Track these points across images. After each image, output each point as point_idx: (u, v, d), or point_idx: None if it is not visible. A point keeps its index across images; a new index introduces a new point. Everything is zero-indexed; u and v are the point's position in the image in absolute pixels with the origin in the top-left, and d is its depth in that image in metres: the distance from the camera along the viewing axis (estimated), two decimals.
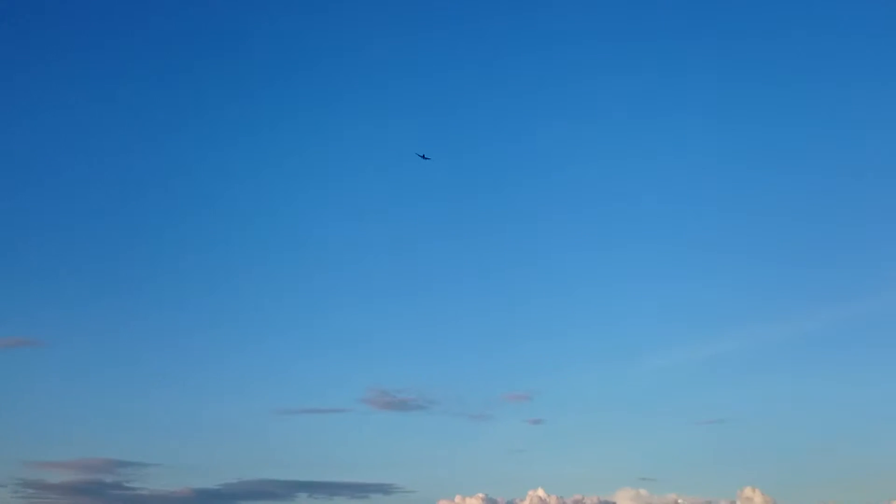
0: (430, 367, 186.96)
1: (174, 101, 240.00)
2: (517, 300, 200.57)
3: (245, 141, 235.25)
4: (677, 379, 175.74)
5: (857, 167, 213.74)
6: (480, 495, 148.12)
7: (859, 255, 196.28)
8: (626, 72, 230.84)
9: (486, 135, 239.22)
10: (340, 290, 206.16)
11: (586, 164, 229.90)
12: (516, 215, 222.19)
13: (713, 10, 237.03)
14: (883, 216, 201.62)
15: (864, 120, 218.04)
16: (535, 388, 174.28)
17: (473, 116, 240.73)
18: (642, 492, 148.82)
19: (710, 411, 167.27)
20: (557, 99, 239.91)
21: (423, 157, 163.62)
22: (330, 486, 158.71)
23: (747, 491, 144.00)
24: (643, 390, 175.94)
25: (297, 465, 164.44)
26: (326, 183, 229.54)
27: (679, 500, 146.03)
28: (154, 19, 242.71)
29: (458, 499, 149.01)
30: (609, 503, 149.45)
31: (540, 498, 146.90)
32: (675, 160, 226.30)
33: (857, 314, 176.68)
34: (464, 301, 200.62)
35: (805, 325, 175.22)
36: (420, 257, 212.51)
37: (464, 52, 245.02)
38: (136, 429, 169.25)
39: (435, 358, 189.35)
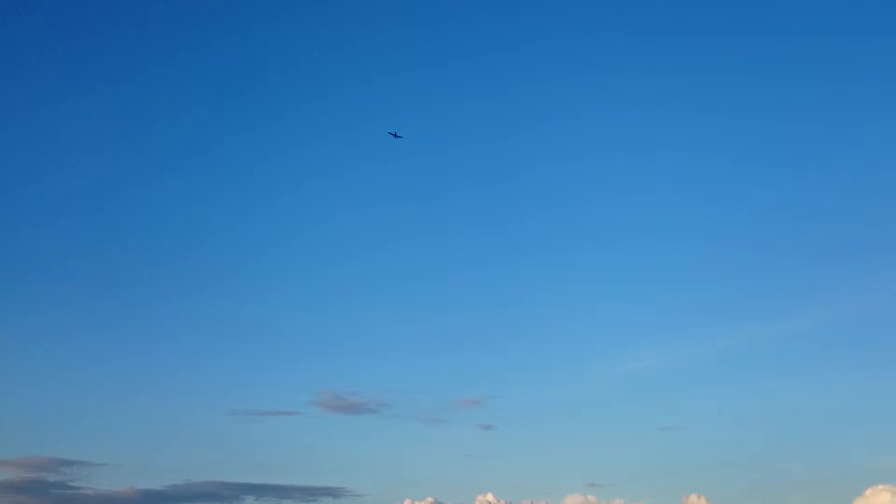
0: (384, 371, 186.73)
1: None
2: (472, 305, 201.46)
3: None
4: (628, 386, 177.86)
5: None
6: (430, 499, 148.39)
7: (812, 264, 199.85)
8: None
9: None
10: (293, 292, 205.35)
11: (553, 166, 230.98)
12: (472, 220, 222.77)
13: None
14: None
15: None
16: (488, 393, 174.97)
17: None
18: (590, 497, 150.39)
19: (659, 419, 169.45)
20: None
21: (395, 135, 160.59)
22: (278, 488, 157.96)
23: (692, 498, 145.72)
24: (594, 397, 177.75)
25: (246, 467, 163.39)
26: (276, 187, 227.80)
27: None
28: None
29: (407, 502, 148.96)
30: None
31: (489, 502, 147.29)
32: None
33: (810, 325, 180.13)
34: (418, 305, 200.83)
35: (756, 336, 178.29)
36: (375, 261, 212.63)
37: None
38: (81, 428, 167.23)
39: (388, 361, 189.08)
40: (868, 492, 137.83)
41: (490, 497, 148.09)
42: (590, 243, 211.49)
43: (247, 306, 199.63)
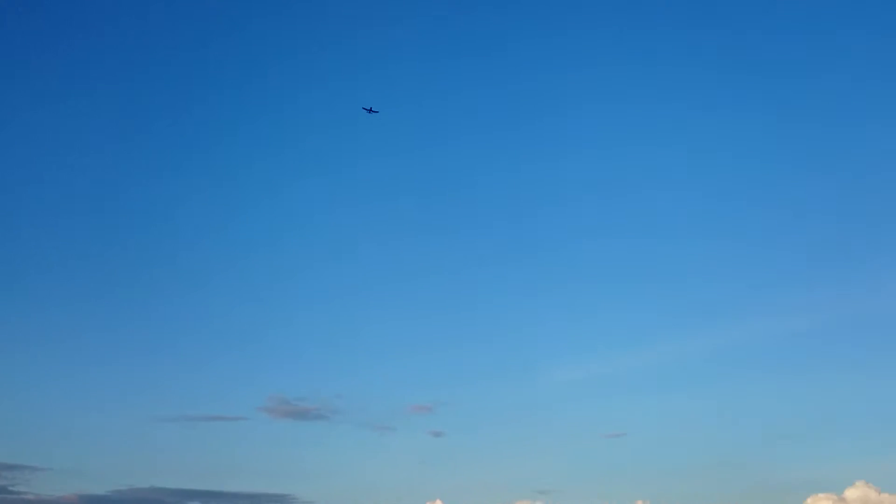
0: (334, 376, 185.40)
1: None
2: (423, 311, 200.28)
3: None
4: (579, 393, 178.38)
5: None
6: None
7: (751, 273, 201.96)
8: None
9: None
10: (242, 295, 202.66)
11: (500, 175, 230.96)
12: (425, 225, 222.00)
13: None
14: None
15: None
16: (439, 399, 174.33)
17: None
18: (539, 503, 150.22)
19: (610, 425, 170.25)
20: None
21: (370, 110, 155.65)
22: (224, 495, 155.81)
23: None
24: (544, 404, 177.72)
25: (191, 473, 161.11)
26: (229, 186, 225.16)
27: None
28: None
29: None
30: None
31: None
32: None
33: (758, 334, 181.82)
34: (369, 310, 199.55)
35: (705, 344, 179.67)
36: (327, 267, 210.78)
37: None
38: (23, 432, 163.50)
39: (339, 366, 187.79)
40: (809, 500, 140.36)
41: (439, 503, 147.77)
42: (544, 248, 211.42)
43: (196, 309, 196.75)
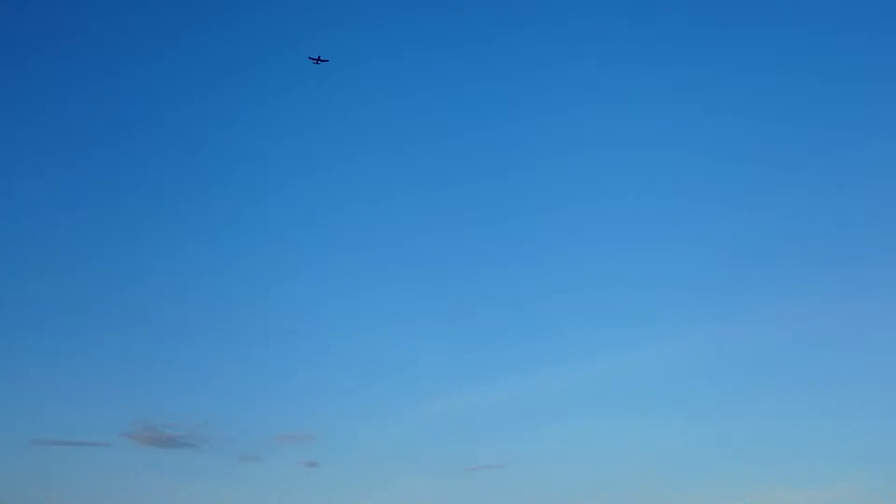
0: (204, 401, 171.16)
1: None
2: (301, 336, 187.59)
3: None
4: (458, 424, 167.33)
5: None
6: None
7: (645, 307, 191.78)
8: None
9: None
10: (108, 309, 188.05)
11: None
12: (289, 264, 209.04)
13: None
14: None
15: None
16: (314, 429, 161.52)
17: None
18: None
19: (487, 457, 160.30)
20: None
21: (318, 60, 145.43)
22: None
23: None
24: (423, 435, 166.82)
25: (47, 501, 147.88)
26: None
27: None
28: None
29: None
30: None
31: None
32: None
33: (650, 359, 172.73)
34: (244, 331, 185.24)
35: (590, 372, 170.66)
36: (197, 285, 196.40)
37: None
38: None
39: (209, 391, 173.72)
40: None
41: None
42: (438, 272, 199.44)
43: (53, 323, 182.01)
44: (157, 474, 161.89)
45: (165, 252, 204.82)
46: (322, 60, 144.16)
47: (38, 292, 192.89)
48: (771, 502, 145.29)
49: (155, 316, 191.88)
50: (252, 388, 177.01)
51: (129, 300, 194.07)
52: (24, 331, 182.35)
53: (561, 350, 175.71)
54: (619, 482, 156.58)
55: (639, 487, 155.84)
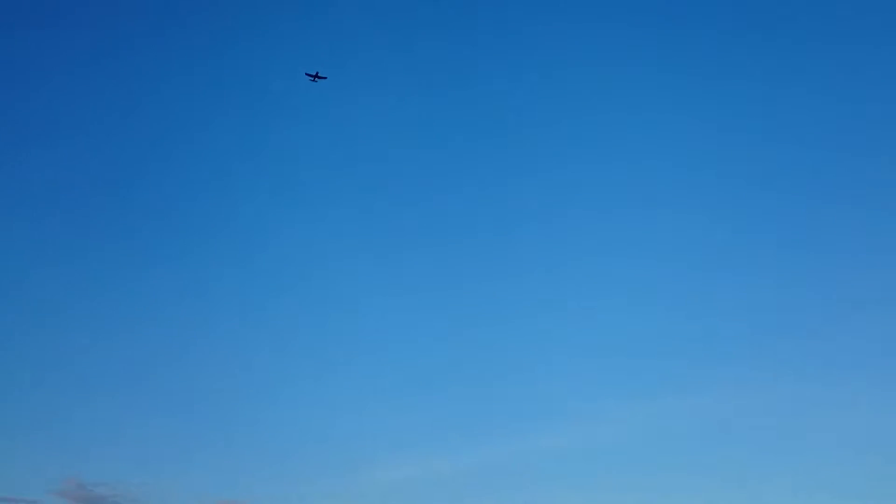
0: (140, 461, 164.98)
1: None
2: (242, 397, 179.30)
3: None
4: (408, 494, 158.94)
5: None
6: None
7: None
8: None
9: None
10: (36, 361, 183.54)
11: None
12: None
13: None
14: None
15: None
16: (253, 493, 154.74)
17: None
18: None
19: None
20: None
21: (316, 76, 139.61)
22: None
23: None
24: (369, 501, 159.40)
25: None
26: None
27: None
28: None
29: None
30: None
31: None
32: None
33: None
34: (185, 390, 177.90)
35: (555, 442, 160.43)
36: (137, 337, 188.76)
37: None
38: None
39: (146, 450, 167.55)
40: None
41: None
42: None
43: None
44: None
45: (99, 297, 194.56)
46: (320, 77, 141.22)
47: None
48: None
49: (90, 367, 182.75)
50: (192, 450, 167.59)
51: (60, 352, 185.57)
52: None
53: (536, 414, 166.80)
54: None
55: None
